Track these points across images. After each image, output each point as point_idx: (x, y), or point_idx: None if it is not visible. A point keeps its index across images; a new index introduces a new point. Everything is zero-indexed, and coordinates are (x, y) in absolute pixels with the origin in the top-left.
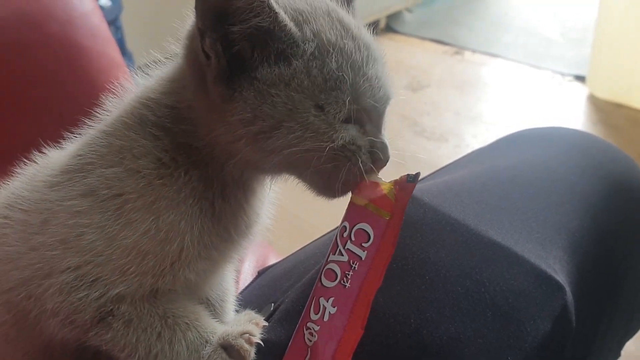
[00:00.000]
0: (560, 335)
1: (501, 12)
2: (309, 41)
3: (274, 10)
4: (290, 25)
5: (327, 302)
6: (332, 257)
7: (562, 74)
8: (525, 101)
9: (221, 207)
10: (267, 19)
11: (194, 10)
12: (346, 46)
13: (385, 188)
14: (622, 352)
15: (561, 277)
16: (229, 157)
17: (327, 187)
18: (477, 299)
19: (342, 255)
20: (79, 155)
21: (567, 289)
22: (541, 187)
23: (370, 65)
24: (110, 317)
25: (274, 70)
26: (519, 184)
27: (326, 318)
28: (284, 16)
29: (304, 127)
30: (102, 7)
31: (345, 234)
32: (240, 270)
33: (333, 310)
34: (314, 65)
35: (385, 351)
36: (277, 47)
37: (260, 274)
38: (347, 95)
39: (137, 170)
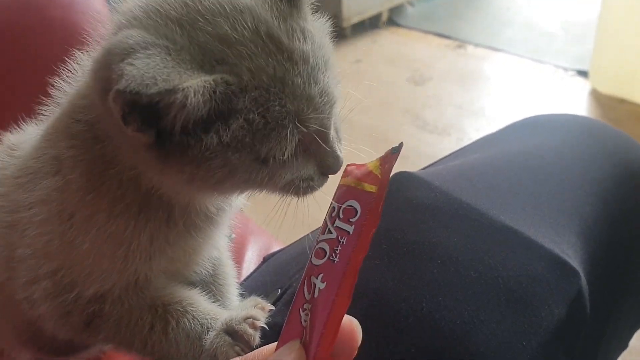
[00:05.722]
0: (575, 322)
1: (503, 6)
2: (248, 90)
3: (219, 94)
4: (228, 88)
5: (317, 278)
6: (321, 237)
7: (565, 69)
8: (528, 95)
9: (170, 210)
10: (201, 111)
11: (114, 99)
12: (286, 75)
13: (370, 166)
14: (629, 347)
15: (575, 263)
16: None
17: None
18: (491, 283)
19: (331, 233)
20: (32, 159)
21: (582, 274)
22: (553, 173)
23: (313, 84)
24: (98, 319)
25: (211, 136)
26: (531, 169)
27: (316, 294)
28: (220, 89)
29: (247, 182)
30: None
31: (334, 214)
32: (243, 258)
33: (322, 286)
34: (256, 114)
35: (397, 335)
36: (212, 114)
37: (266, 260)
38: (292, 130)
39: (71, 183)
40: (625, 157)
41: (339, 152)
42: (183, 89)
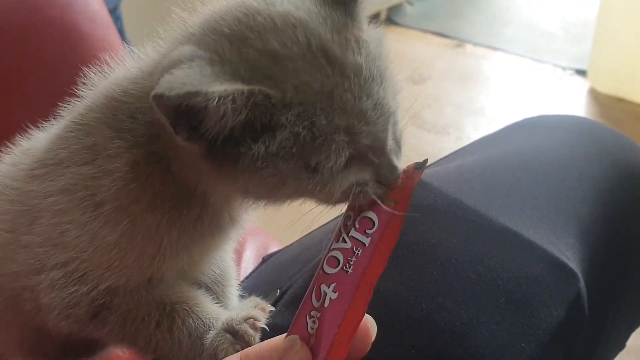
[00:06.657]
0: (574, 323)
1: (502, 6)
2: (292, 106)
3: (256, 104)
4: (268, 100)
5: (329, 288)
6: (334, 245)
7: (563, 68)
8: (526, 95)
9: (201, 210)
10: (242, 115)
11: (154, 105)
12: (334, 89)
13: None
14: (627, 347)
15: (573, 264)
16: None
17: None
18: (490, 285)
19: (346, 242)
20: (54, 150)
21: (580, 276)
22: (551, 174)
23: (364, 97)
24: (105, 311)
25: (258, 146)
26: (530, 170)
27: (327, 304)
28: (263, 99)
29: (300, 191)
30: None
31: (349, 223)
32: (241, 258)
33: (334, 296)
34: (301, 127)
35: (396, 337)
36: (257, 126)
37: (265, 260)
38: (342, 144)
39: (111, 172)
40: (623, 157)
41: (395, 163)
42: (206, 93)
